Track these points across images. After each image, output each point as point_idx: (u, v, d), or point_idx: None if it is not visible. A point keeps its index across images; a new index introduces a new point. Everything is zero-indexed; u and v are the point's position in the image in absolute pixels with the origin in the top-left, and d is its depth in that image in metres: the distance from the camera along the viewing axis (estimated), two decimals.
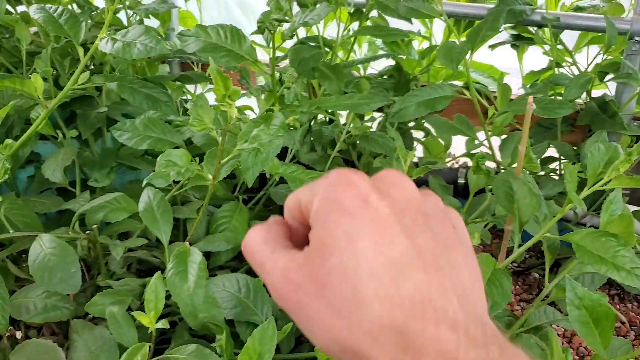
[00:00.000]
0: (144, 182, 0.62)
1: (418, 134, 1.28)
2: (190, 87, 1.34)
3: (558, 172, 1.19)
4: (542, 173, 1.14)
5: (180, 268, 0.62)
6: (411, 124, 1.24)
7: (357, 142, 1.16)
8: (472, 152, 1.08)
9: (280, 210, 1.06)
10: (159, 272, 0.63)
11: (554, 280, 0.69)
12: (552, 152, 1.18)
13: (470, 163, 1.31)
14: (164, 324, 0.61)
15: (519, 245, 0.70)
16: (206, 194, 1.03)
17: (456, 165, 1.28)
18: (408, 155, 0.79)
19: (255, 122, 0.70)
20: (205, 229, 0.98)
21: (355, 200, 0.27)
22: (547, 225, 0.68)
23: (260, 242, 0.30)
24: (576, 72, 1.16)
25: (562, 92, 1.08)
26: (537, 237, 0.67)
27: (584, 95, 1.16)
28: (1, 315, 0.68)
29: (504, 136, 1.07)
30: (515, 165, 0.89)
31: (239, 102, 1.00)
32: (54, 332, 0.80)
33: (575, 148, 1.14)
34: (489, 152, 1.07)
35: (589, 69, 1.15)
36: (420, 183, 1.19)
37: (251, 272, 0.85)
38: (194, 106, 0.58)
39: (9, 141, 0.81)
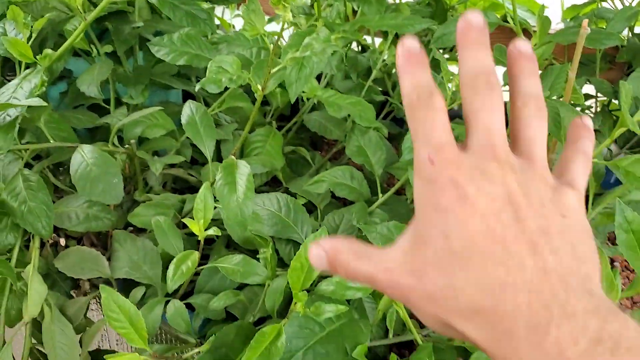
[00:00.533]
0: (197, 87, 0.61)
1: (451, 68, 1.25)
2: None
3: (594, 110, 1.17)
4: (578, 109, 1.12)
5: (229, 179, 0.62)
6: (446, 56, 1.22)
7: (393, 71, 1.15)
8: None
9: (312, 138, 1.04)
10: (207, 182, 0.63)
11: (598, 207, 0.69)
12: (588, 89, 1.16)
13: (505, 98, 1.29)
14: (215, 230, 0.61)
15: None
16: (239, 117, 1.02)
17: None
18: (453, 78, 0.78)
19: (300, 34, 0.68)
20: (239, 153, 0.98)
21: (452, 192, 0.28)
22: (595, 151, 0.67)
23: (354, 259, 0.31)
24: (620, 7, 1.12)
25: (604, 27, 1.05)
26: None
27: (626, 31, 1.13)
28: (45, 220, 0.69)
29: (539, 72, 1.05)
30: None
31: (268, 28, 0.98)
32: (93, 243, 0.80)
33: (613, 85, 1.12)
34: None
35: (634, 3, 1.12)
36: (453, 117, 1.17)
37: (289, 193, 0.85)
38: (246, 11, 0.57)
39: (48, 51, 0.79)
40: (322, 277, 0.63)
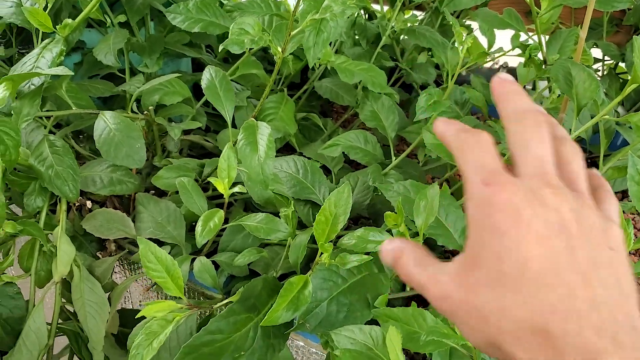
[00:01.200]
0: (220, 47, 0.62)
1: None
2: None
3: (601, 73, 1.19)
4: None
5: (251, 139, 0.64)
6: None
7: (402, 37, 1.16)
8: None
9: (321, 106, 1.06)
10: (230, 143, 0.65)
11: (609, 163, 0.71)
12: (595, 53, 1.17)
13: (510, 64, 1.31)
14: (240, 188, 0.63)
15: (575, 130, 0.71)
16: (251, 85, 1.04)
17: (496, 66, 1.28)
18: (465, 41, 0.79)
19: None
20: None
21: (508, 213, 0.28)
22: (607, 108, 0.68)
23: (412, 264, 0.32)
24: None
25: None
26: (597, 118, 0.68)
27: None
28: (72, 184, 0.71)
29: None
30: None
31: None
32: (116, 207, 0.82)
33: (619, 48, 1.13)
34: None
35: None
36: (462, 82, 1.18)
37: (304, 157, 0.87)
38: None
39: (68, 21, 0.81)
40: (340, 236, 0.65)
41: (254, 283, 0.60)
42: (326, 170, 0.91)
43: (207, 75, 0.74)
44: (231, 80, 1.00)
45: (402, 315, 0.53)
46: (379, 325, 0.54)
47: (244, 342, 0.58)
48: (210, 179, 0.63)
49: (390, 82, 1.17)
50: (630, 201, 0.76)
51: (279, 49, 0.64)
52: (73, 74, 0.71)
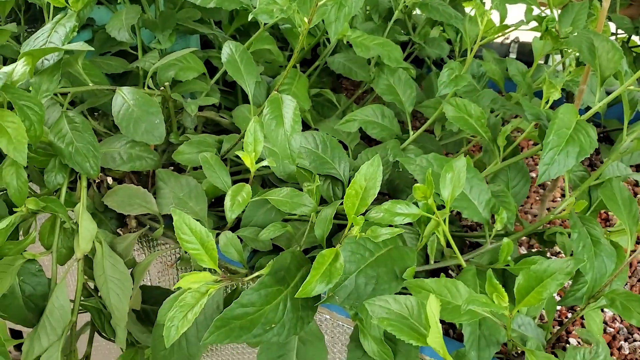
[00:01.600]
0: (250, 16, 0.61)
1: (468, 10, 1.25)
2: None
3: None
4: None
5: (276, 113, 0.63)
6: None
7: (414, 12, 1.15)
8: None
9: (334, 79, 1.05)
10: (256, 116, 0.64)
11: (633, 134, 0.70)
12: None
13: (521, 38, 1.30)
14: (269, 162, 0.63)
15: (599, 101, 0.70)
16: (264, 61, 1.03)
17: (507, 41, 1.27)
18: (485, 14, 0.78)
19: None
20: (265, 96, 0.99)
21: None
22: (632, 78, 0.68)
23: None
24: None
25: None
26: (622, 88, 0.68)
27: None
28: (93, 160, 0.70)
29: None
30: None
31: None
32: (135, 184, 0.82)
33: (632, 22, 1.13)
34: None
35: None
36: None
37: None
38: None
39: None
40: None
41: (284, 256, 0.60)
42: (344, 146, 0.91)
43: (227, 50, 0.73)
44: None
45: (435, 286, 0.53)
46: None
47: (274, 314, 0.58)
48: (238, 152, 0.62)
49: (403, 57, 1.16)
50: None
51: (306, 20, 0.63)
52: (93, 49, 0.70)
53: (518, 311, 0.60)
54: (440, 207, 0.63)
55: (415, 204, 0.62)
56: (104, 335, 0.77)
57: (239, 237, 0.70)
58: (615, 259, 0.62)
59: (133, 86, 0.83)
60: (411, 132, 0.88)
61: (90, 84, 0.78)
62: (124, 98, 0.75)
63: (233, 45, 0.74)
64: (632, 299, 0.56)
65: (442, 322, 0.75)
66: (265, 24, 0.91)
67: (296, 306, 0.60)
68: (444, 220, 0.62)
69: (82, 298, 0.73)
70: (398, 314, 0.50)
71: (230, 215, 0.60)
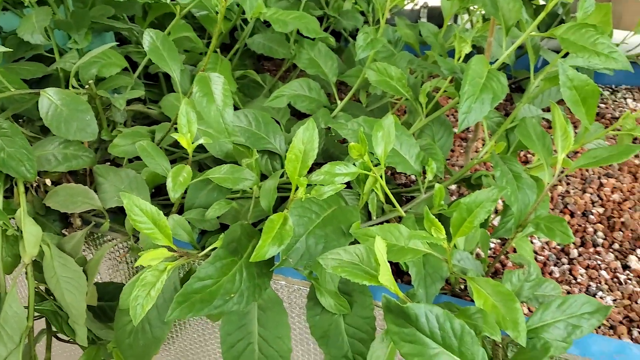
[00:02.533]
0: None
1: None
2: None
3: None
4: None
5: (206, 90, 0.65)
6: None
7: None
8: None
9: (255, 62, 1.07)
10: (186, 98, 0.66)
11: (540, 75, 0.77)
12: None
13: (430, 3, 1.36)
14: (205, 140, 0.64)
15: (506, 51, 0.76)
16: (180, 50, 1.04)
17: (417, 7, 1.32)
18: None
19: None
20: (190, 83, 1.00)
21: None
22: (532, 25, 0.74)
23: None
24: None
25: None
26: (525, 36, 0.73)
27: None
28: (29, 163, 0.70)
29: None
30: None
31: None
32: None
33: None
34: None
35: None
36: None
37: None
38: None
39: None
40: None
41: (234, 228, 0.62)
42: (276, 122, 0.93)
43: (148, 38, 0.74)
44: None
45: (380, 231, 0.57)
46: None
47: (232, 285, 0.60)
48: (173, 135, 0.64)
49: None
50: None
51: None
52: (11, 49, 0.69)
53: (456, 246, 0.65)
54: (376, 165, 0.67)
55: (353, 164, 0.66)
56: (64, 337, 0.77)
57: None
58: (536, 190, 0.68)
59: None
60: (338, 102, 0.91)
61: (12, 89, 0.77)
62: (50, 99, 0.74)
63: (153, 33, 0.75)
64: (554, 220, 0.62)
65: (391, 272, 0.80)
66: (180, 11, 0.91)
67: (252, 275, 0.63)
68: (381, 176, 0.66)
69: (35, 303, 0.73)
70: (350, 262, 0.54)
71: (174, 195, 0.62)
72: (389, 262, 0.55)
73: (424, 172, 0.74)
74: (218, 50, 1.07)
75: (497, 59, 0.81)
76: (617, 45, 1.08)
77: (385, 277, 0.49)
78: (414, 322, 0.48)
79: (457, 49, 0.78)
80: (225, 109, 0.65)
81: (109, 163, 0.82)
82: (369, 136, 0.69)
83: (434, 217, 0.52)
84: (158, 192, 0.84)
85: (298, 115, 1.06)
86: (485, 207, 0.53)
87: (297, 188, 0.58)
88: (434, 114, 0.81)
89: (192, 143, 0.65)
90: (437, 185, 0.67)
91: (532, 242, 0.86)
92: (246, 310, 0.68)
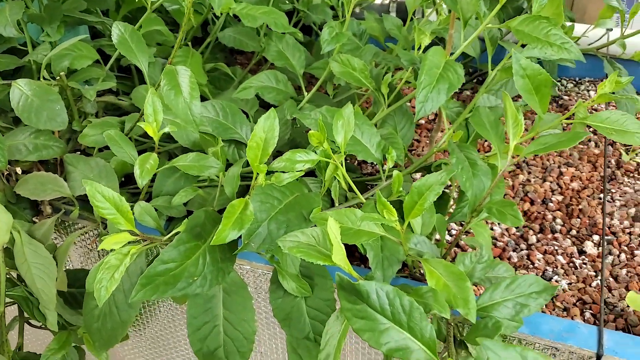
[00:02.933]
0: None
1: None
2: None
3: None
4: None
5: (173, 83, 0.67)
6: None
7: None
8: None
9: (226, 57, 1.09)
10: (152, 88, 0.68)
11: (498, 67, 0.80)
12: None
13: None
14: (170, 127, 0.66)
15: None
16: (152, 43, 1.05)
17: (386, 2, 1.35)
18: None
19: None
20: (161, 74, 1.02)
21: None
22: (489, 16, 0.76)
23: None
24: None
25: None
26: (482, 27, 0.76)
27: None
28: (0, 153, 0.71)
29: None
30: None
31: None
32: None
33: None
34: None
35: None
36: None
37: None
38: None
39: None
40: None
41: (197, 214, 0.64)
42: (244, 114, 0.96)
43: (117, 31, 0.76)
44: None
45: (336, 215, 0.60)
46: None
47: (195, 268, 0.63)
48: (140, 124, 0.66)
49: (291, 25, 1.22)
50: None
51: None
52: None
53: (411, 228, 0.68)
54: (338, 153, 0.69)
55: (314, 152, 0.68)
56: (36, 323, 0.79)
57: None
58: (490, 176, 0.71)
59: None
60: (305, 94, 0.94)
61: None
62: (21, 90, 0.76)
63: (122, 26, 0.76)
64: (505, 204, 0.65)
65: (352, 259, 0.82)
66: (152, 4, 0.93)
67: (215, 259, 0.65)
68: (341, 164, 0.69)
69: (6, 289, 0.74)
70: (306, 244, 0.56)
71: (141, 181, 0.64)
72: (353, 247, 0.57)
73: (385, 159, 0.76)
74: (190, 43, 1.09)
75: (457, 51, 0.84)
76: (578, 38, 1.12)
77: (339, 256, 0.52)
78: (365, 299, 0.50)
79: (417, 40, 0.81)
80: (192, 100, 0.67)
81: (79, 153, 0.83)
82: (330, 125, 0.71)
83: (385, 200, 0.55)
84: (128, 181, 0.85)
85: (267, 107, 1.08)
86: (435, 189, 0.56)
87: (258, 175, 0.61)
88: (396, 104, 0.83)
89: (158, 132, 0.67)
90: (395, 172, 0.69)
91: (492, 229, 0.89)
92: (212, 293, 0.70)
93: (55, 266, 0.72)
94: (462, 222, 0.89)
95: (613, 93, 0.78)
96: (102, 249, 0.75)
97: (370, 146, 0.76)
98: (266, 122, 0.62)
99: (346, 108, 0.69)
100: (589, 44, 1.16)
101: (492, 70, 0.81)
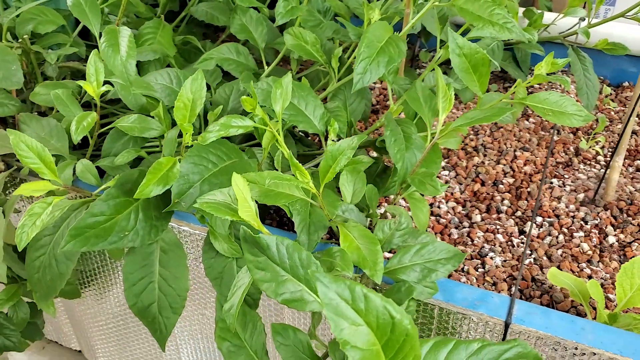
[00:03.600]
0: None
1: None
2: None
3: None
4: None
5: (112, 42, 0.70)
6: None
7: None
8: None
9: (205, 33, 1.10)
10: (95, 50, 0.70)
11: (444, 47, 0.81)
12: None
13: None
14: (107, 87, 0.69)
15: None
16: (130, 15, 1.08)
17: None
18: None
19: None
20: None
21: None
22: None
23: None
24: None
25: None
26: (429, 5, 0.77)
27: None
28: None
29: None
30: None
31: None
32: None
33: None
34: None
35: None
36: None
37: None
38: None
39: None
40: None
41: (131, 172, 0.67)
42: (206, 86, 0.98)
43: None
44: (109, 14, 1.05)
45: (258, 177, 0.62)
46: None
47: (126, 223, 0.65)
48: (80, 82, 0.68)
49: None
50: None
51: None
52: None
53: (343, 200, 0.70)
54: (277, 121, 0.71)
55: (253, 119, 0.70)
56: None
57: (101, 168, 0.76)
58: (424, 150, 0.72)
59: None
60: (266, 67, 0.95)
61: None
62: None
63: None
64: (426, 175, 0.66)
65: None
66: None
67: (149, 216, 0.67)
68: (279, 132, 0.71)
69: None
70: (222, 202, 0.59)
71: (76, 137, 0.66)
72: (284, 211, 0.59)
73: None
74: (162, 17, 1.11)
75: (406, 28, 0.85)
76: (547, 26, 1.13)
77: (245, 212, 0.54)
78: (266, 251, 0.52)
79: (366, 15, 0.83)
80: (128, 60, 0.69)
81: (36, 113, 0.86)
82: (269, 93, 0.73)
83: (298, 162, 0.57)
84: (86, 144, 0.88)
85: (230, 79, 1.11)
86: (346, 154, 0.58)
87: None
88: (346, 78, 0.85)
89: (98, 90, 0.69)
90: (330, 143, 0.71)
91: (438, 207, 0.90)
92: (149, 251, 0.73)
93: (3, 218, 0.75)
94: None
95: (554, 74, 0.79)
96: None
97: (313, 117, 0.78)
98: (194, 84, 0.64)
99: (285, 77, 0.71)
100: (560, 32, 1.16)
101: (440, 48, 0.82)
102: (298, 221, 0.67)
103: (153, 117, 0.79)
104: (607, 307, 0.75)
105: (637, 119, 1.13)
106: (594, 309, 0.73)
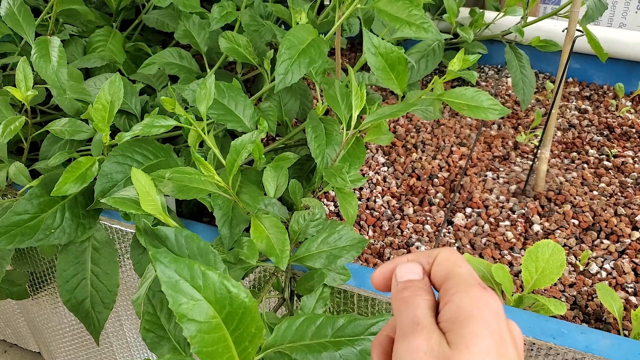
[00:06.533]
0: None
1: None
2: None
3: None
4: None
5: (43, 52, 0.73)
6: None
7: None
8: None
9: (162, 35, 1.13)
10: (24, 57, 0.73)
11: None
12: None
13: None
14: (33, 92, 0.72)
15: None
16: (79, 23, 1.11)
17: None
18: None
19: None
20: (82, 54, 1.07)
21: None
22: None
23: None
24: None
25: None
26: (352, 8, 0.80)
27: None
28: None
29: None
30: None
31: None
32: None
33: None
34: None
35: None
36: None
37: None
38: None
39: None
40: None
41: (56, 172, 0.70)
42: (152, 89, 1.01)
43: (5, 4, 0.81)
44: (65, 23, 1.09)
45: (177, 172, 0.65)
46: None
47: (52, 221, 0.68)
48: (8, 88, 0.71)
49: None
50: None
51: None
52: None
53: (266, 193, 0.73)
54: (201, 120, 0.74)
55: (177, 119, 0.73)
56: None
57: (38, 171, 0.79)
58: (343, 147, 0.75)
59: None
60: (208, 71, 0.99)
61: None
62: None
63: (11, 0, 0.82)
64: (337, 168, 0.70)
65: None
66: None
67: (76, 214, 0.70)
68: (204, 131, 0.74)
69: None
70: (130, 197, 0.62)
71: (2, 140, 0.70)
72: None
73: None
74: (114, 24, 1.14)
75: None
76: (488, 24, 1.16)
77: (149, 205, 0.57)
78: (165, 242, 0.55)
79: (293, 18, 0.86)
80: (59, 68, 0.72)
81: None
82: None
83: (200, 156, 0.60)
84: (34, 149, 0.91)
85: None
86: (247, 147, 0.61)
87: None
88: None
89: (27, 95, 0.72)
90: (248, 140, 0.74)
91: (374, 201, 0.93)
92: (82, 249, 0.75)
93: None
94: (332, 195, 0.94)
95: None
96: None
97: (243, 117, 0.81)
98: (112, 87, 0.67)
99: (208, 78, 0.74)
100: (502, 31, 1.19)
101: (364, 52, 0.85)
102: (219, 215, 0.70)
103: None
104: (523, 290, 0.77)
105: (577, 112, 1.16)
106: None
